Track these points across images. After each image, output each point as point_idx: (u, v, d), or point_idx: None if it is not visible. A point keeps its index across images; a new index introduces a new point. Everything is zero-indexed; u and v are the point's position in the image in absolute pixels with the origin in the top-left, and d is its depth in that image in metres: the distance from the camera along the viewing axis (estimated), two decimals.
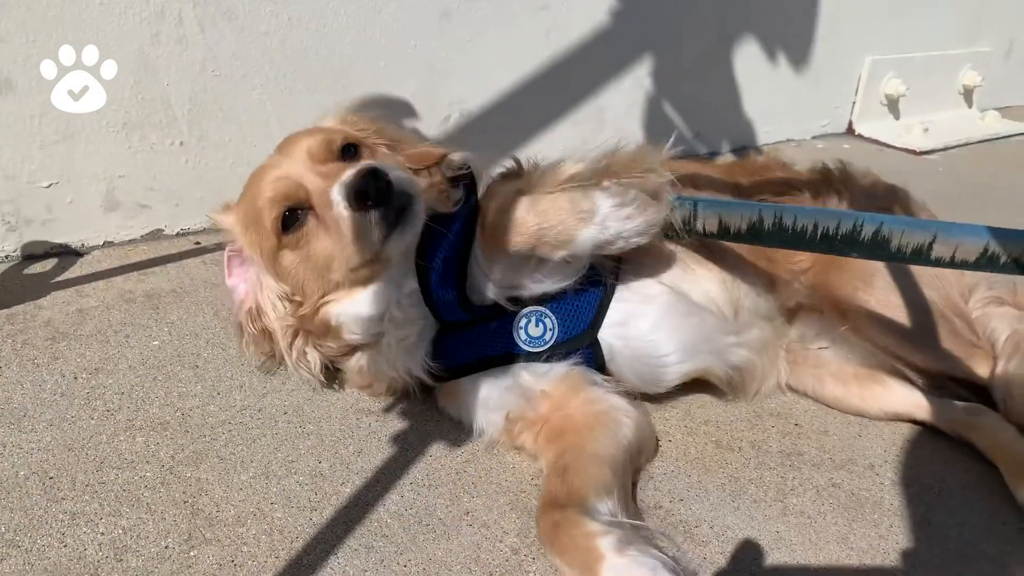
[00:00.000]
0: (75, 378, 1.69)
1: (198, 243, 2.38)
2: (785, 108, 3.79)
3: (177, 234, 2.42)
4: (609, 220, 1.42)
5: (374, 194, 1.37)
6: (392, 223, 1.41)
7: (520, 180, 1.58)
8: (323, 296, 1.55)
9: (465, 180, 1.61)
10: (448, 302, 1.50)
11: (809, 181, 1.91)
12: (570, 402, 1.53)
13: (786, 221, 1.48)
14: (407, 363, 1.57)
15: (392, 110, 2.63)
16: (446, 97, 2.75)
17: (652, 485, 1.49)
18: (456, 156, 1.69)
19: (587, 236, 1.43)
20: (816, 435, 1.66)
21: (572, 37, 2.94)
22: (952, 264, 1.32)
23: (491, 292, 1.54)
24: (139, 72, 2.17)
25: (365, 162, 1.46)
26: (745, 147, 3.72)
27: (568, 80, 3.01)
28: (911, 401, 1.67)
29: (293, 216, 1.49)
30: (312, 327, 1.59)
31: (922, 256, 1.33)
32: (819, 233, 1.44)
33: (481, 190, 1.62)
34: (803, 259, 1.75)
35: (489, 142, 2.89)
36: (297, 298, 1.59)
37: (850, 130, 4.08)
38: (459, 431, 1.60)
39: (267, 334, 1.65)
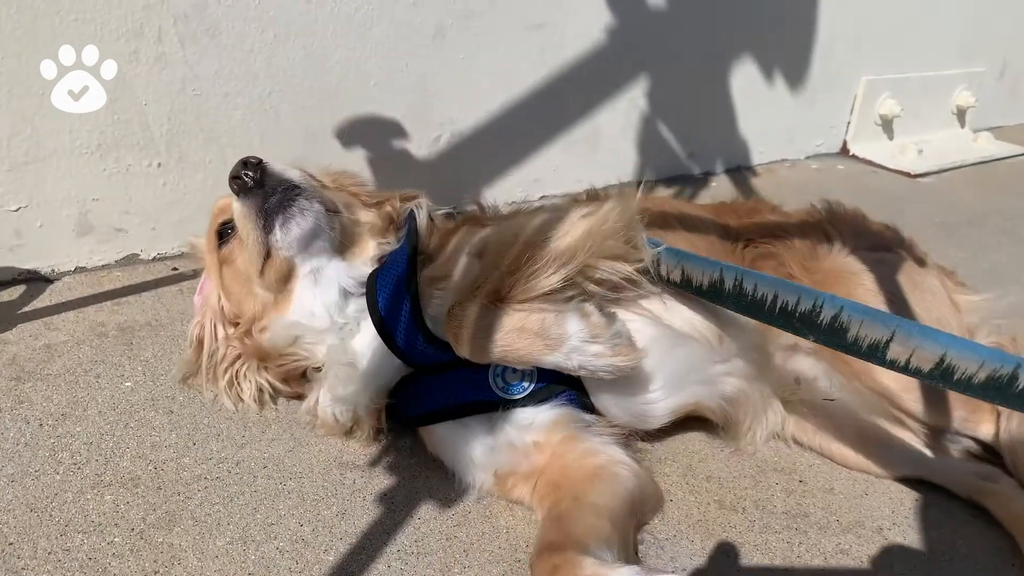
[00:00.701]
0: (40, 425, 1.59)
1: (175, 269, 2.27)
2: (780, 128, 3.74)
3: (153, 259, 2.31)
4: (575, 353, 1.36)
5: (245, 177, 1.49)
6: (273, 211, 1.50)
7: (480, 225, 1.63)
8: (255, 320, 1.62)
9: (408, 219, 1.68)
10: (415, 347, 1.46)
11: (799, 224, 1.84)
12: (566, 454, 1.46)
13: (746, 286, 1.41)
14: (357, 400, 1.53)
15: (381, 130, 2.54)
16: (437, 117, 2.65)
17: (654, 552, 1.41)
18: (413, 202, 1.74)
19: (551, 360, 1.38)
20: (822, 493, 1.59)
21: (566, 57, 2.85)
22: (907, 370, 1.22)
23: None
24: (115, 91, 2.05)
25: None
26: (739, 167, 3.66)
27: (562, 100, 2.92)
28: (921, 461, 1.60)
29: (225, 230, 1.62)
30: (250, 349, 1.64)
31: (877, 354, 1.24)
32: (778, 306, 1.36)
33: (422, 221, 1.67)
34: None
35: (481, 163, 2.81)
36: (239, 319, 1.66)
37: (844, 150, 4.03)
38: (448, 488, 1.51)
39: (209, 353, 1.69)
